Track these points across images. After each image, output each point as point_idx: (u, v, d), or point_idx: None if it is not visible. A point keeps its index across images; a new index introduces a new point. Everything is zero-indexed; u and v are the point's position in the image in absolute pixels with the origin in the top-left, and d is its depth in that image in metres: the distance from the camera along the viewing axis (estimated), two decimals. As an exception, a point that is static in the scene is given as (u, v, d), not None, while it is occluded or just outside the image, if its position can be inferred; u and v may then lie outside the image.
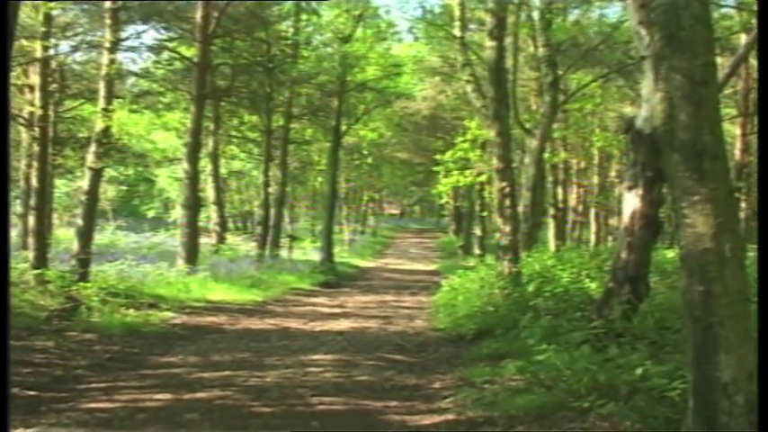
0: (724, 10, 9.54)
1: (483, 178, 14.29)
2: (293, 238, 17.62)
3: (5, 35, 2.83)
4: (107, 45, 8.16)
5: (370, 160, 25.23)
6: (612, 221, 19.06)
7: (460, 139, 14.13)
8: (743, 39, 7.87)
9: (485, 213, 19.31)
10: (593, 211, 17.71)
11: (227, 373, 4.30)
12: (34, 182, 7.90)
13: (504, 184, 7.55)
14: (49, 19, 8.10)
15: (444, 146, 23.83)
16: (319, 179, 25.44)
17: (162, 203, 35.37)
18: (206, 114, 13.15)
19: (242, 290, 9.50)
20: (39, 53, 8.39)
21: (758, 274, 2.47)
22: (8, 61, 3.11)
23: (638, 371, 3.19)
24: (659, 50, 2.57)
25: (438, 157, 14.73)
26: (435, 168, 14.70)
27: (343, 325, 6.97)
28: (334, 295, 10.63)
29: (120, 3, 8.13)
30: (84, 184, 7.97)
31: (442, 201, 18.02)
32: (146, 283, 7.95)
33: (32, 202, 7.89)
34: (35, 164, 8.05)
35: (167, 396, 3.72)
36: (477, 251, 19.03)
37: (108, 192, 27.56)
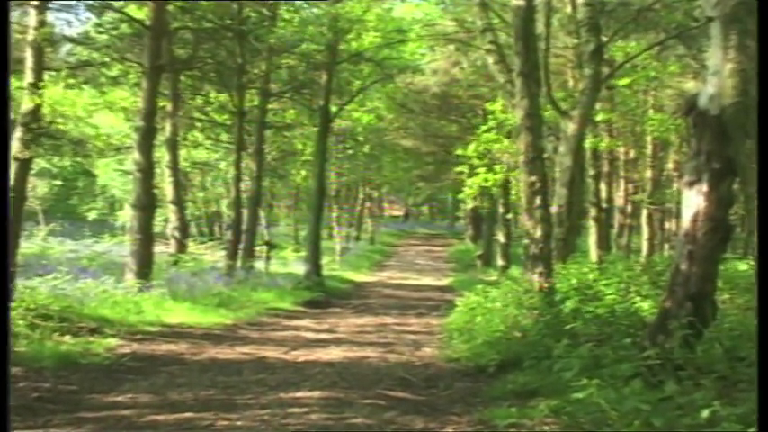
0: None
1: (513, 174, 14.35)
2: (271, 246, 17.66)
3: (5, 35, 3.21)
4: (34, 2, 8.00)
5: (366, 149, 25.38)
6: (670, 225, 19.08)
7: (483, 127, 14.16)
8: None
9: (509, 215, 19.40)
10: (644, 213, 17.62)
11: (188, 415, 4.22)
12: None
13: (533, 178, 7.56)
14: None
15: (459, 131, 24.11)
16: (303, 173, 25.65)
17: (106, 203, 35.38)
18: (162, 92, 13.19)
19: (207, 310, 9.54)
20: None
21: (758, 274, 2.62)
22: (8, 61, 3.64)
23: (704, 413, 3.15)
24: (731, 10, 2.57)
25: (460, 152, 14.75)
26: (459, 169, 14.83)
27: (333, 354, 6.94)
28: (323, 317, 10.67)
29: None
30: (8, 178, 7.81)
31: (468, 205, 18.01)
32: (86, 303, 7.89)
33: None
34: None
35: (112, 445, 3.68)
36: (499, 262, 19.10)
37: (38, 188, 27.47)
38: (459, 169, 14.43)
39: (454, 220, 52.42)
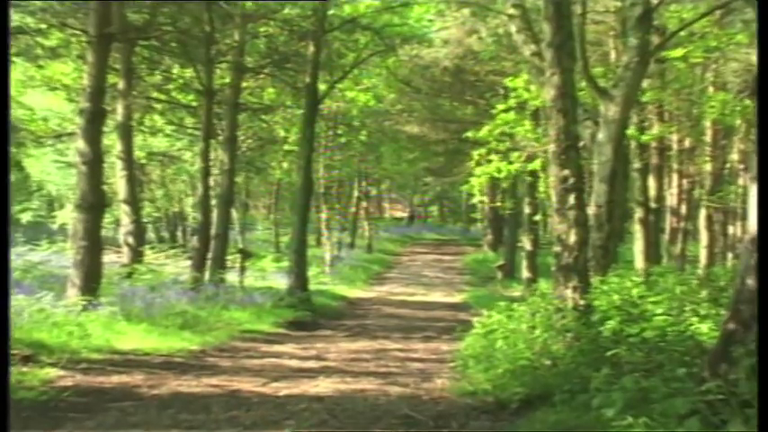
0: None
1: (536, 165, 14.28)
2: (246, 255, 17.71)
3: (5, 35, 3.75)
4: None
5: (363, 136, 25.52)
6: (734, 230, 19.05)
7: (501, 106, 14.15)
8: None
9: (537, 217, 19.45)
10: (702, 214, 17.53)
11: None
12: None
13: (566, 172, 7.57)
14: None
15: (475, 114, 24.19)
16: (285, 165, 25.79)
17: (43, 202, 35.38)
18: (112, 66, 13.24)
19: (168, 333, 9.58)
20: None
21: (758, 275, 2.86)
22: (8, 61, 4.23)
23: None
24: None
25: (469, 135, 14.67)
26: (474, 153, 14.79)
27: (322, 387, 6.95)
28: (309, 341, 10.73)
29: None
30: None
31: (475, 200, 18.00)
32: (19, 325, 7.91)
33: None
34: None
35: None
36: (525, 274, 19.17)
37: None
38: (476, 154, 14.38)
39: (470, 222, 52.58)
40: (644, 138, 14.01)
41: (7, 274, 4.56)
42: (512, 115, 13.91)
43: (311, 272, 18.27)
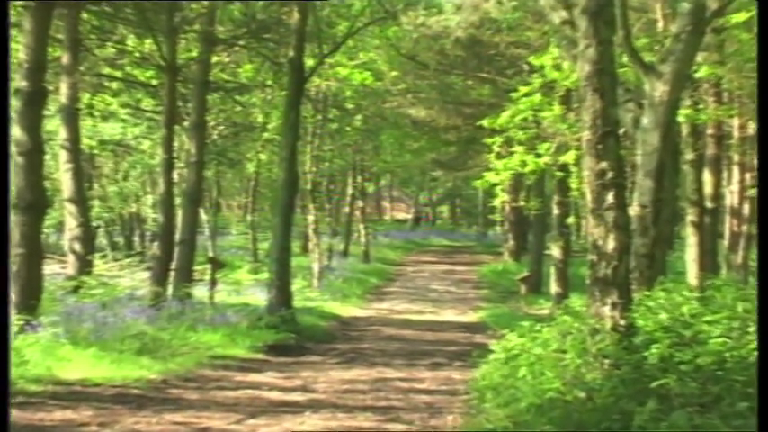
0: None
1: (568, 157, 14.21)
2: (217, 265, 17.74)
3: (5, 35, 4.67)
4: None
5: (358, 122, 25.57)
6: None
7: (523, 89, 14.10)
8: None
9: (569, 220, 19.45)
10: (769, 215, 17.51)
11: None
12: None
13: (603, 165, 7.57)
14: None
15: (495, 96, 24.16)
16: (265, 157, 25.82)
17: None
18: (54, 36, 13.22)
19: (123, 360, 9.58)
20: None
21: (758, 274, 3.27)
22: (8, 61, 5.30)
23: None
24: None
25: (487, 123, 14.54)
26: (489, 141, 14.70)
27: (308, 424, 6.96)
28: (294, 369, 10.73)
29: None
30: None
31: (495, 200, 17.82)
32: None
33: None
34: None
35: None
36: (554, 288, 19.19)
37: None
38: (490, 142, 14.31)
39: (487, 226, 52.59)
40: (701, 118, 13.89)
41: (7, 274, 5.88)
42: (537, 98, 13.90)
43: (296, 285, 18.24)
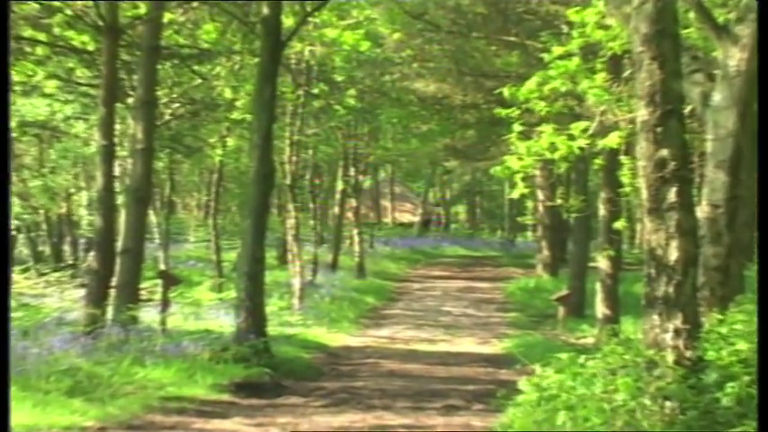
0: None
1: (616, 141, 14.19)
2: (171, 281, 17.70)
3: (5, 35, 6.06)
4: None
5: (351, 98, 25.49)
6: None
7: (557, 49, 14.05)
8: None
9: (619, 223, 19.38)
10: None
11: None
12: None
13: (663, 153, 7.54)
14: None
15: (525, 64, 23.98)
16: (231, 142, 25.76)
17: None
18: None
19: (50, 402, 9.51)
20: None
21: (758, 275, 3.91)
22: (8, 61, 7.12)
23: None
24: None
25: (505, 91, 14.51)
26: (503, 113, 14.62)
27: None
28: (268, 413, 10.72)
29: None
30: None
31: (515, 193, 17.63)
32: None
33: None
34: None
35: None
36: (600, 309, 19.14)
37: None
38: (514, 119, 14.23)
39: (516, 231, 52.52)
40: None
41: (7, 274, 7.45)
42: (576, 62, 13.83)
43: (271, 306, 18.18)
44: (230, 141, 25.12)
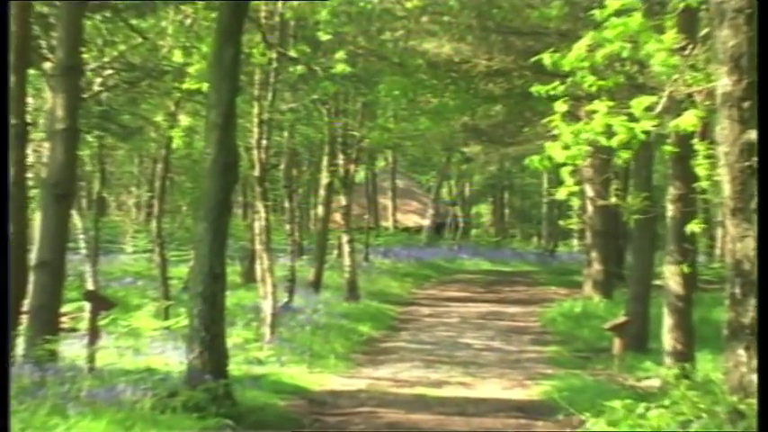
0: None
1: (689, 121, 14.17)
2: (102, 304, 17.70)
3: (5, 35, 9.45)
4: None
5: (340, 63, 25.40)
6: None
7: (615, 1, 14.06)
8: None
9: (695, 226, 19.36)
10: None
11: None
12: None
13: (750, 135, 7.58)
14: None
15: (571, 18, 23.92)
16: (184, 121, 25.65)
17: None
18: None
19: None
20: None
21: (758, 273, 5.27)
22: (8, 61, 10.93)
23: None
24: None
25: (545, 58, 14.46)
26: (541, 90, 14.63)
27: None
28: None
29: None
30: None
31: (561, 193, 17.49)
32: None
33: None
34: None
35: None
36: (667, 341, 19.11)
37: None
38: (556, 96, 14.18)
39: (557, 239, 52.10)
40: None
41: (7, 274, 9.21)
42: (638, 19, 13.82)
43: (234, 338, 18.14)
44: (181, 120, 25.10)
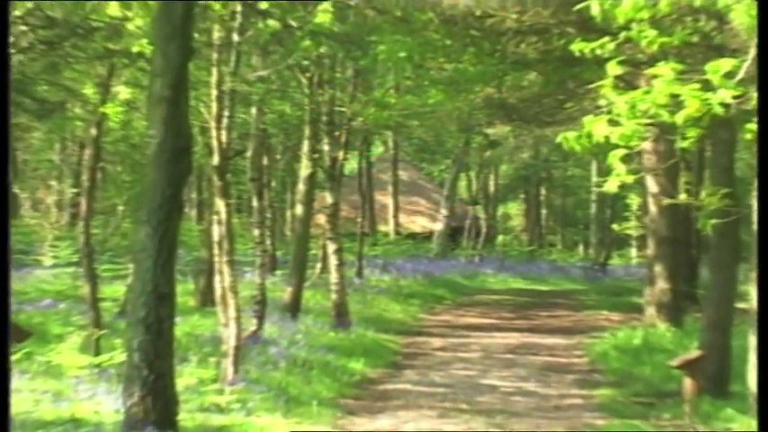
0: None
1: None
2: (13, 333, 17.75)
3: (5, 35, 11.74)
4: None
5: (324, 14, 25.45)
6: None
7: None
8: None
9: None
10: None
11: None
12: None
13: None
14: None
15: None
16: (121, 95, 25.67)
17: None
18: None
19: None
20: None
21: (758, 274, 9.72)
22: (8, 61, 13.30)
23: None
24: None
25: (592, 5, 14.52)
26: (584, 48, 14.70)
27: None
28: None
29: None
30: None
31: (607, 185, 17.50)
32: None
33: None
34: None
35: None
36: (753, 382, 19.13)
37: None
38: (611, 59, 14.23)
39: (610, 248, 51.89)
40: None
41: (7, 273, 10.70)
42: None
43: (187, 378, 18.20)
44: (116, 92, 25.17)
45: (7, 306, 10.91)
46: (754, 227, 19.82)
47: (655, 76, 13.81)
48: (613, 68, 13.64)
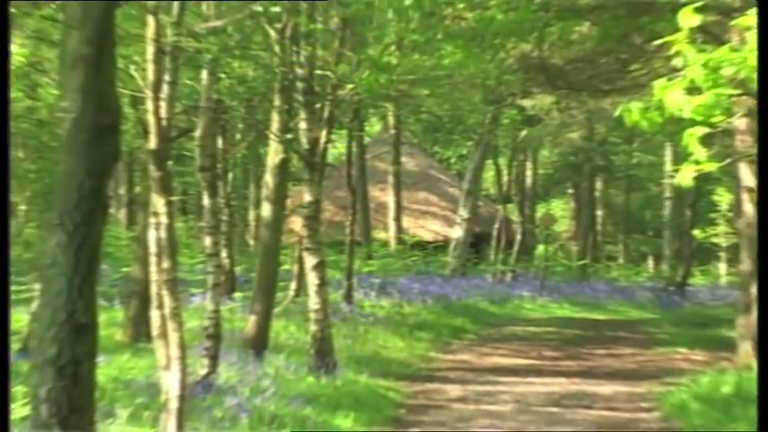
0: None
1: None
2: None
3: (5, 35, 15.01)
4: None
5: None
6: None
7: None
8: None
9: None
10: None
11: None
12: None
13: None
14: None
15: None
16: (19, 57, 25.84)
17: None
18: None
19: None
20: None
21: (758, 274, 13.45)
22: (8, 61, 17.36)
23: None
24: None
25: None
26: (686, 8, 14.81)
27: None
28: None
29: None
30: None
31: (682, 171, 17.64)
32: None
33: None
34: None
35: None
36: None
37: None
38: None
39: (690, 263, 52.11)
40: None
41: (7, 273, 12.99)
42: None
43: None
44: (18, 50, 25.31)
45: (7, 306, 13.12)
46: None
47: (746, 28, 13.77)
48: (689, 17, 13.47)
